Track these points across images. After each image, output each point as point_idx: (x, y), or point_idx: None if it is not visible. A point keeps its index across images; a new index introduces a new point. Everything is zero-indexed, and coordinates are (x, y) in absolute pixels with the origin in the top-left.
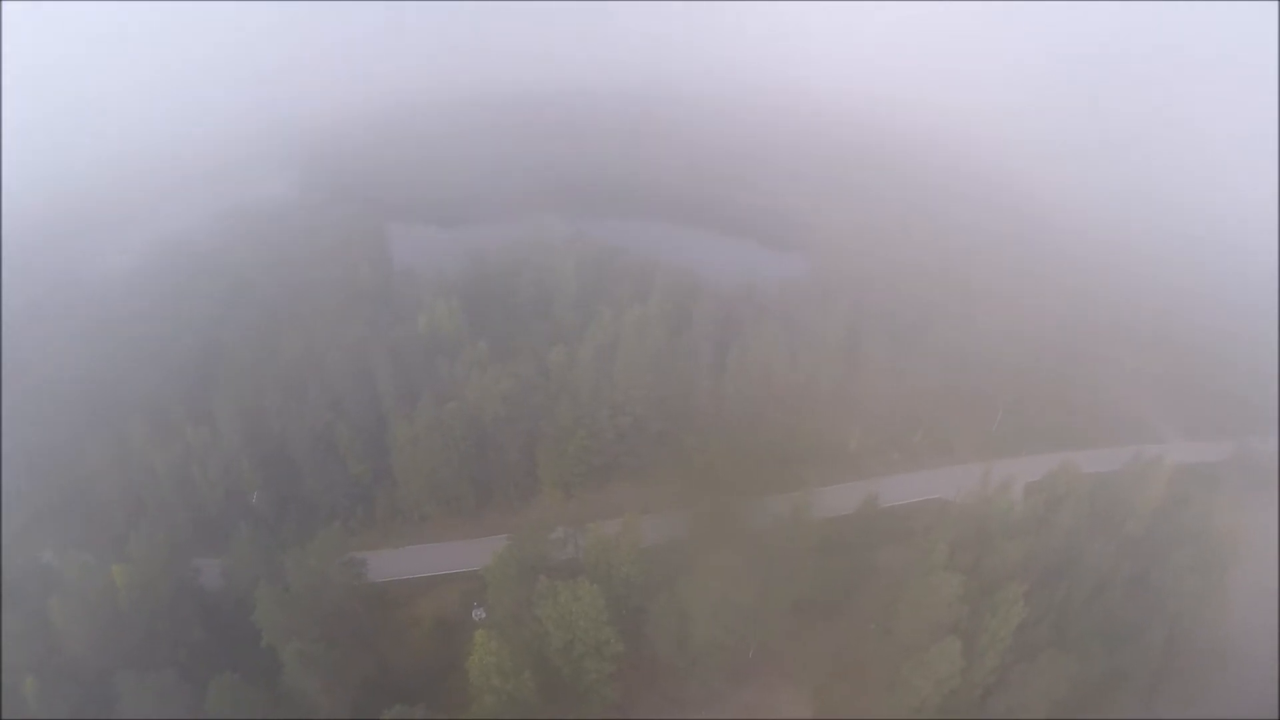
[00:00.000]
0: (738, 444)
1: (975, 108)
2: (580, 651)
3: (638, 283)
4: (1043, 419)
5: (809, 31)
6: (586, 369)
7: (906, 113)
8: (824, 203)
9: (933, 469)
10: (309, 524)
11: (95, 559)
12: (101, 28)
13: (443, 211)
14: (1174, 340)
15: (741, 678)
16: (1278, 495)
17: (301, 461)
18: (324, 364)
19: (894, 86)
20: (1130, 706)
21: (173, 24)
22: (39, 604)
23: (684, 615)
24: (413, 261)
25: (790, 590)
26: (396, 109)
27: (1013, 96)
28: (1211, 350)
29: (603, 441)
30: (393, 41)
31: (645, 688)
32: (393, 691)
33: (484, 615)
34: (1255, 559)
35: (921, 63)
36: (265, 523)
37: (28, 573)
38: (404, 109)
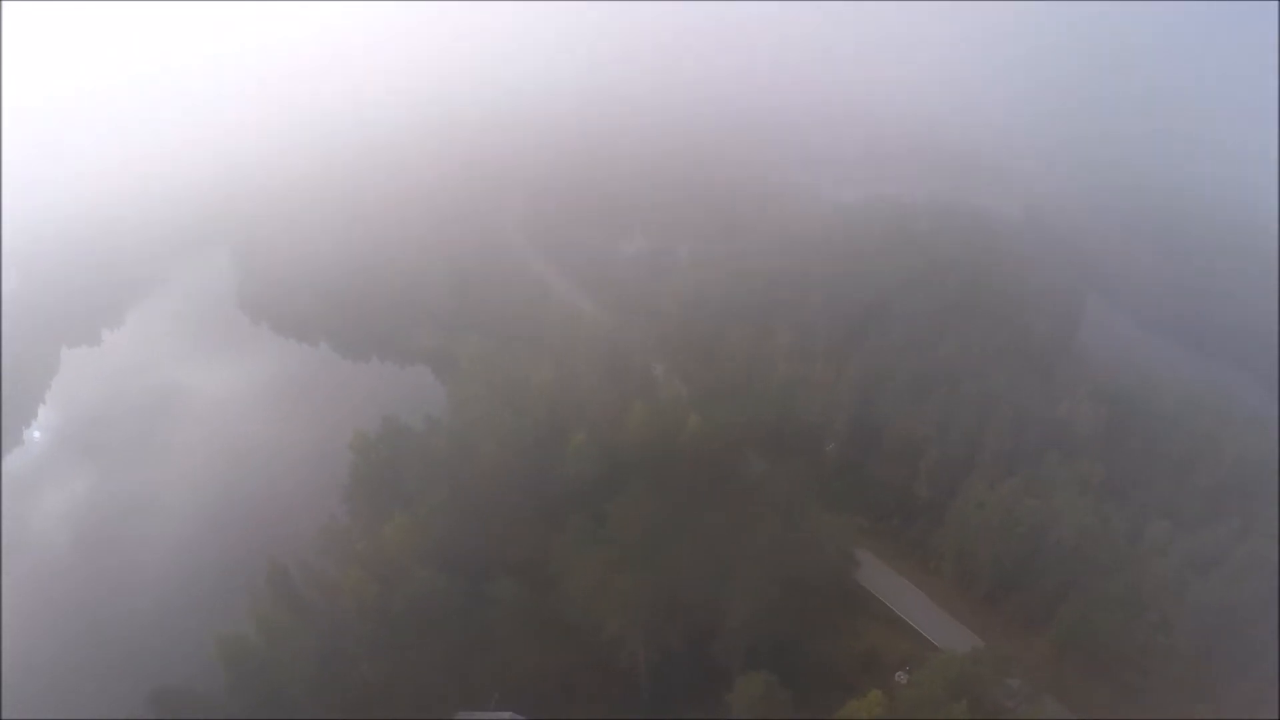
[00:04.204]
0: None
1: None
2: None
3: None
4: None
5: None
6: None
7: None
8: None
9: None
10: (845, 494)
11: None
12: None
13: (1143, 310)
14: None
15: None
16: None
17: (882, 449)
18: (958, 386)
19: None
20: None
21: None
22: None
23: None
24: (1089, 340)
25: None
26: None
27: None
28: None
29: (1128, 642)
30: None
31: None
32: (777, 661)
33: (904, 682)
34: None
35: None
36: (815, 463)
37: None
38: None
